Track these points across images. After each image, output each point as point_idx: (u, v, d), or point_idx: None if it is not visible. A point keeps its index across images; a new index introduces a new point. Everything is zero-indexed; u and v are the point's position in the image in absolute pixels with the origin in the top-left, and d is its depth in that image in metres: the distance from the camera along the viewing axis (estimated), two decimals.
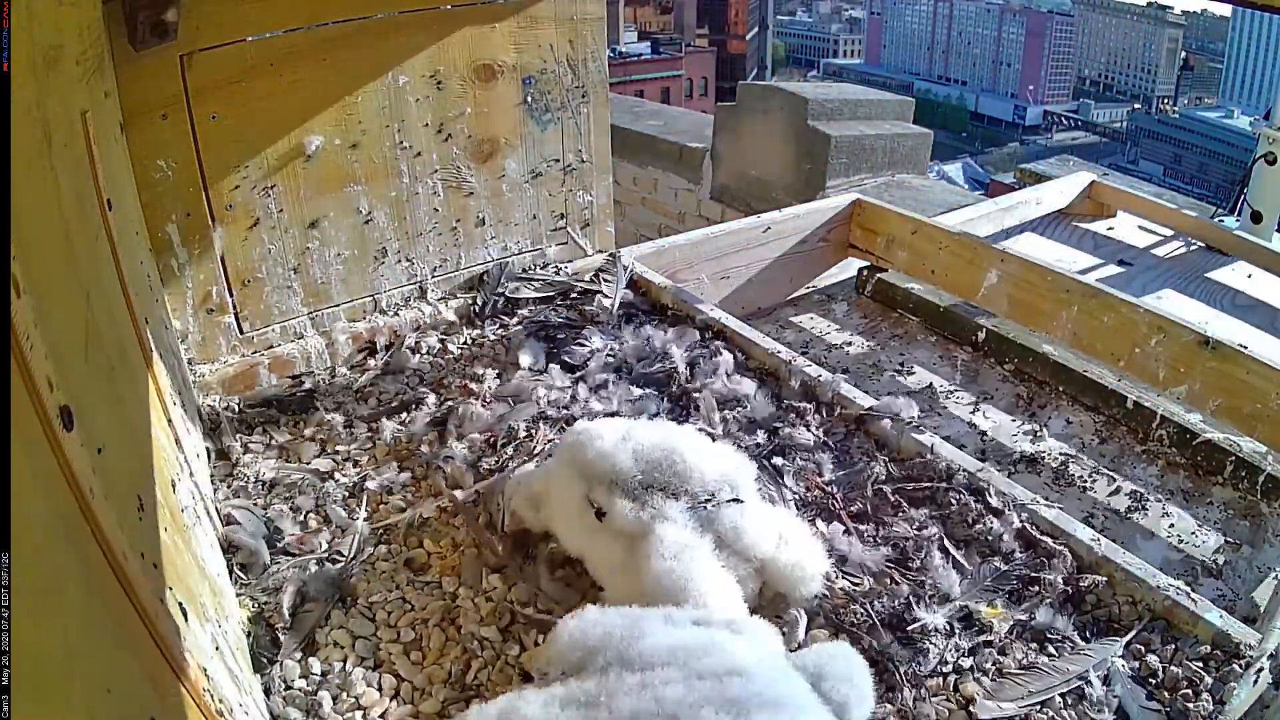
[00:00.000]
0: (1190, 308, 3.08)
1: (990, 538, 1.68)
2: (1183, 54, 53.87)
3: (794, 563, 1.52)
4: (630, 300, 2.49)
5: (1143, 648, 1.47)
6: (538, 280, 2.55)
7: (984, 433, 2.33)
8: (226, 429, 1.97)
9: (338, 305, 2.27)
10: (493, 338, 2.37)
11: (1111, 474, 2.19)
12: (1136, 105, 53.24)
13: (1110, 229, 3.74)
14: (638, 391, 2.10)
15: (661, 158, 5.20)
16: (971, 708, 1.38)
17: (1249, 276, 3.37)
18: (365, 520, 1.73)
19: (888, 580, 1.61)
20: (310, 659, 1.45)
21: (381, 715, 1.37)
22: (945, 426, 2.34)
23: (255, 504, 1.76)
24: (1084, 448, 2.29)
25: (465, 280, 2.47)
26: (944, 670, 1.44)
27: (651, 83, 36.04)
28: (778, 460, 1.90)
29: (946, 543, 1.69)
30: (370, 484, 1.83)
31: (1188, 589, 1.57)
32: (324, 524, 1.73)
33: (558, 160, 2.52)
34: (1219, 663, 1.44)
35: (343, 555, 1.65)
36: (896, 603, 1.54)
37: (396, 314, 2.35)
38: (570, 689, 1.14)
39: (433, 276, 2.41)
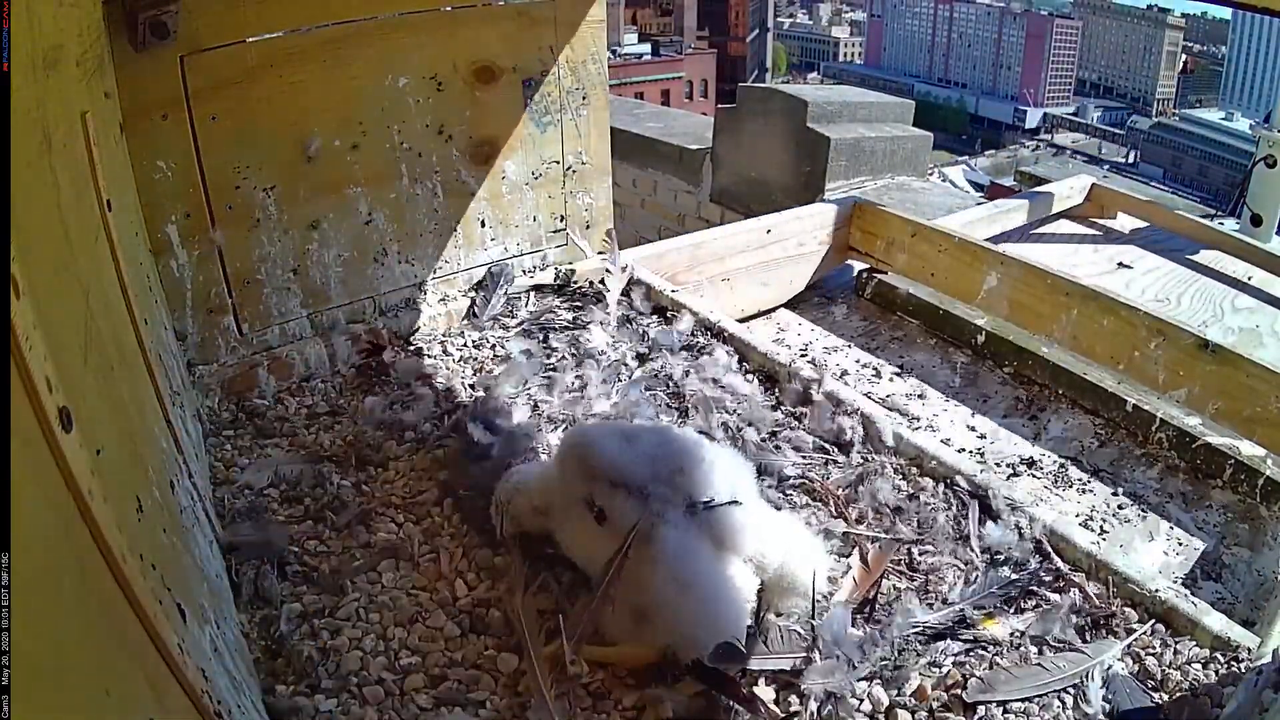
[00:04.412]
0: (1192, 302, 3.08)
1: (989, 542, 1.68)
2: (1183, 57, 53.92)
3: (790, 568, 1.51)
4: (630, 302, 2.49)
5: (1142, 650, 1.47)
6: (537, 283, 2.55)
7: (983, 435, 2.33)
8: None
9: (337, 307, 2.27)
10: (492, 340, 2.37)
11: (1111, 477, 2.19)
12: (1137, 108, 53.27)
13: (1110, 232, 3.74)
14: (637, 393, 2.10)
15: (661, 160, 5.20)
16: (963, 694, 1.38)
17: (1249, 279, 3.37)
18: (362, 520, 1.73)
19: (890, 581, 1.61)
20: (308, 662, 1.44)
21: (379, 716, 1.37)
22: (945, 429, 2.34)
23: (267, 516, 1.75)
24: (1083, 451, 2.29)
25: (465, 282, 2.47)
26: (940, 667, 1.44)
27: (651, 84, 36.08)
28: (777, 462, 1.90)
29: (949, 545, 1.69)
30: (371, 483, 1.84)
31: (1187, 592, 1.57)
32: (329, 527, 1.73)
33: (558, 162, 2.52)
34: (1218, 666, 1.44)
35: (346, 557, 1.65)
36: (897, 602, 1.54)
37: (396, 316, 2.35)
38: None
39: (433, 278, 2.41)
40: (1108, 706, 1.37)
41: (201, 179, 1.95)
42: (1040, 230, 3.67)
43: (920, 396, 2.50)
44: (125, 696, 0.75)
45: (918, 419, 2.36)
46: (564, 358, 2.25)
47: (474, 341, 2.36)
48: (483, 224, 2.45)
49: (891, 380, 2.59)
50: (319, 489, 1.80)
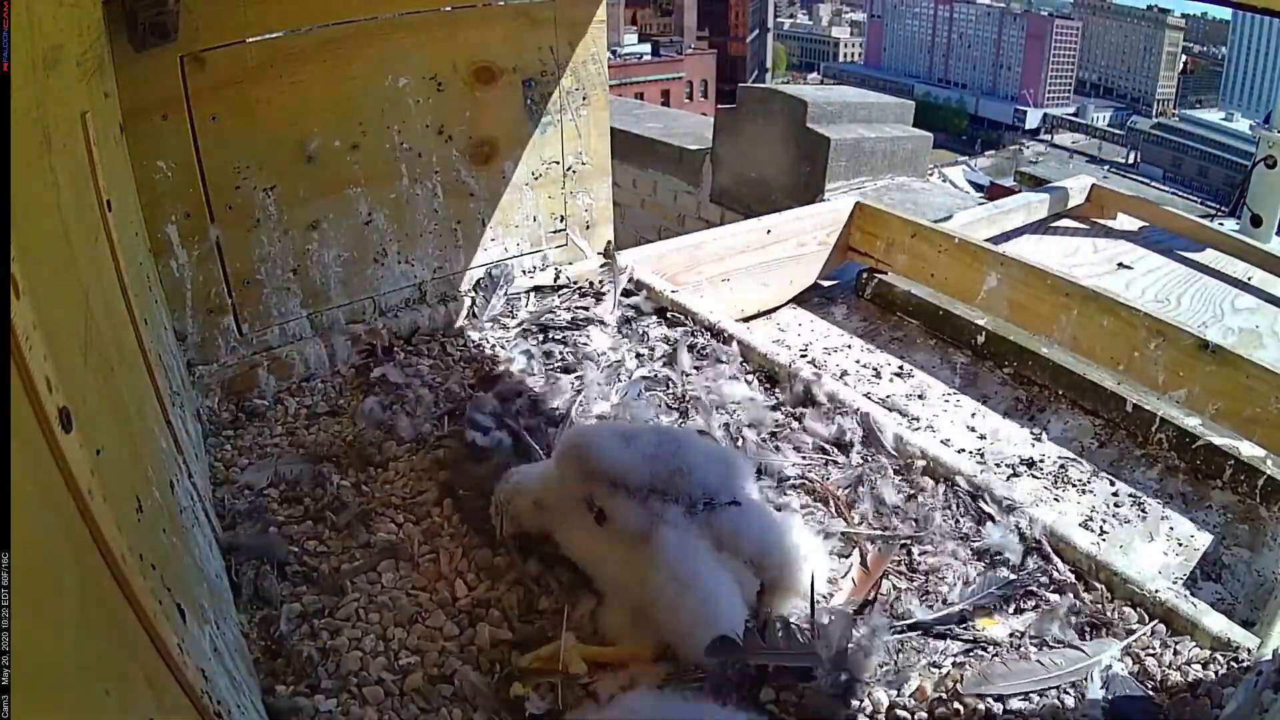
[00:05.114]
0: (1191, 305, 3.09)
1: (989, 543, 1.68)
2: (1183, 58, 53.93)
3: (790, 569, 1.51)
4: (630, 302, 2.49)
5: (1141, 651, 1.47)
6: (537, 283, 2.55)
7: (983, 436, 2.33)
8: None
9: (337, 307, 2.27)
10: (492, 340, 2.37)
11: (1111, 477, 2.19)
12: (1137, 108, 53.27)
13: (1110, 231, 3.74)
14: (637, 393, 2.10)
15: (661, 160, 5.20)
16: (959, 685, 1.38)
17: (1249, 279, 3.38)
18: (362, 520, 1.73)
19: (889, 581, 1.61)
20: (308, 662, 1.44)
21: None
22: (945, 429, 2.34)
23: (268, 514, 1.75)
24: (1083, 451, 2.29)
25: (465, 282, 2.47)
26: (940, 667, 1.44)
27: (651, 85, 36.09)
28: (777, 462, 1.90)
29: (949, 545, 1.69)
30: (371, 483, 1.84)
31: (1187, 593, 1.57)
32: (329, 527, 1.73)
33: (557, 162, 2.52)
34: (1218, 666, 1.44)
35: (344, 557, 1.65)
36: (897, 602, 1.54)
37: (396, 316, 2.35)
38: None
39: (432, 278, 2.41)
40: (1107, 707, 1.37)
41: (201, 179, 1.95)
42: (1040, 230, 3.68)
43: (920, 397, 2.50)
44: (125, 696, 0.75)
45: (918, 419, 2.36)
46: (564, 358, 2.25)
47: (474, 341, 2.36)
48: (483, 224, 2.45)
49: (891, 380, 2.59)
50: (319, 489, 1.80)
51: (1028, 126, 54.19)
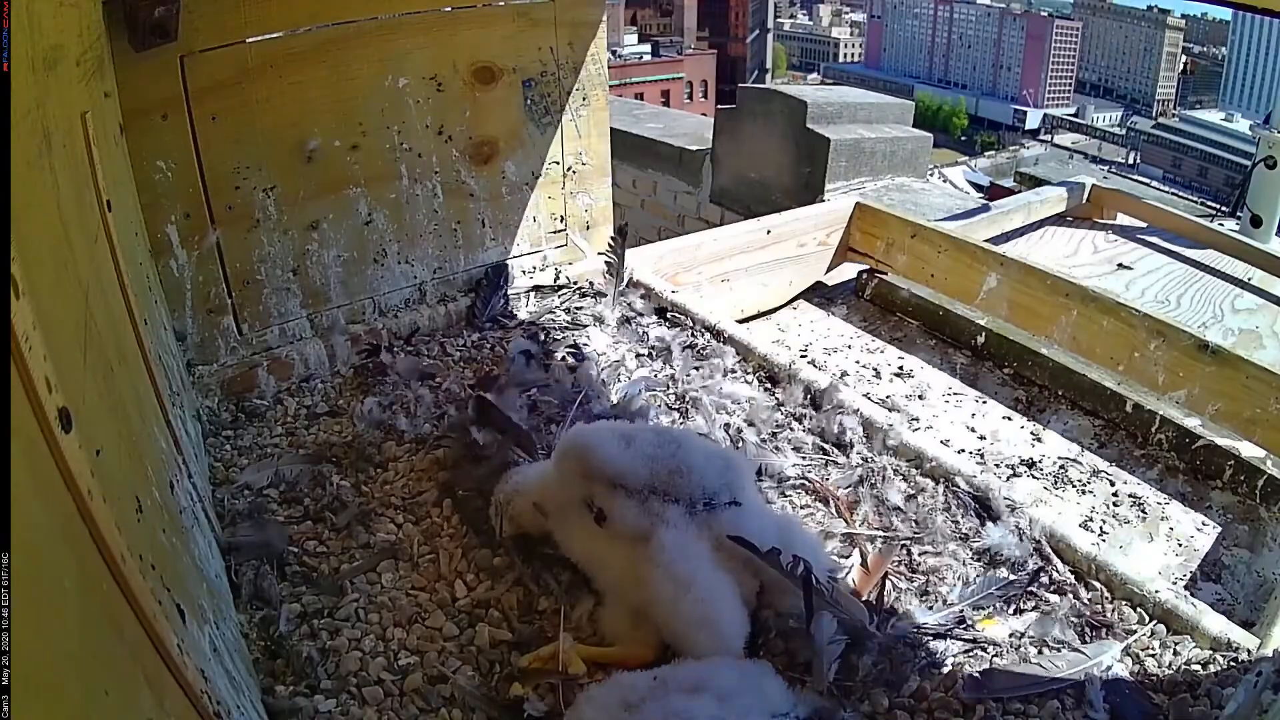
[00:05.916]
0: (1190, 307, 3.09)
1: (989, 543, 1.68)
2: (1183, 58, 53.98)
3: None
4: (630, 303, 2.49)
5: (1141, 652, 1.47)
6: (537, 283, 2.55)
7: (983, 436, 2.33)
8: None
9: (337, 307, 2.27)
10: (492, 340, 2.36)
11: (1110, 478, 2.19)
12: (1137, 109, 53.29)
13: (1110, 232, 3.74)
14: (637, 394, 2.10)
15: (661, 161, 5.20)
16: (959, 688, 1.38)
17: (1249, 279, 3.38)
18: (362, 520, 1.73)
19: (889, 581, 1.61)
20: (307, 663, 1.44)
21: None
22: (945, 430, 2.34)
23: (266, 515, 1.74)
24: (1083, 451, 2.29)
25: (465, 283, 2.47)
26: (938, 667, 1.44)
27: (651, 85, 36.12)
28: (777, 462, 1.90)
29: (949, 546, 1.69)
30: (371, 483, 1.83)
31: (1186, 593, 1.57)
32: (329, 527, 1.73)
33: (557, 163, 2.52)
34: (1218, 667, 1.44)
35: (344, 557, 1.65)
36: (897, 602, 1.54)
37: (396, 316, 2.35)
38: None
39: (432, 279, 2.41)
40: (1107, 707, 1.37)
41: (201, 179, 1.95)
42: (1040, 231, 3.68)
43: (920, 397, 2.50)
44: (125, 696, 0.75)
45: (918, 419, 2.36)
46: (564, 358, 2.25)
47: (474, 341, 2.36)
48: (483, 224, 2.45)
49: (891, 381, 2.59)
50: (319, 489, 1.80)
51: (1028, 127, 54.18)
